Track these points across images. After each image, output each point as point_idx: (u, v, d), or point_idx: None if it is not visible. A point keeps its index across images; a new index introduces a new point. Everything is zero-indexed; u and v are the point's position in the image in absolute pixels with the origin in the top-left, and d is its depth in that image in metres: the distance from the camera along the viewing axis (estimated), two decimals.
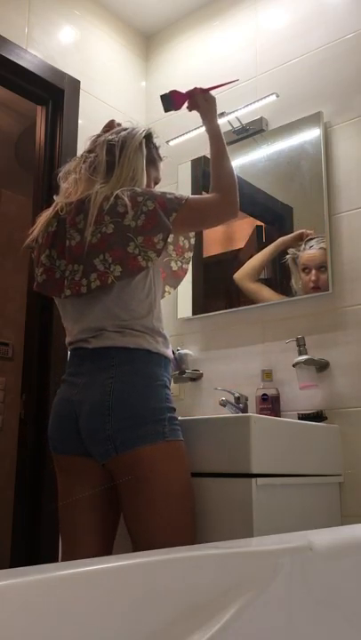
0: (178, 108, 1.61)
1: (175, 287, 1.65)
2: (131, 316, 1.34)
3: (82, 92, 2.33)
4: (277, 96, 2.18)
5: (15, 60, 2.10)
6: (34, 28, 2.22)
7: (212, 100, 1.59)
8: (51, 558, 1.88)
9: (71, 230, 1.38)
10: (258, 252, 2.15)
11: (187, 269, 1.66)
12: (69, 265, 1.37)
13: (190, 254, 1.66)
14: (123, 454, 1.25)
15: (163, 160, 1.58)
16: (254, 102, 2.21)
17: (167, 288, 1.62)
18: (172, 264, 1.62)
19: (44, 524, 1.91)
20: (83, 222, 1.36)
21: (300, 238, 2.03)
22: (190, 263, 1.67)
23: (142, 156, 1.44)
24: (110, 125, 1.55)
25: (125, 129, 1.49)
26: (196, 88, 1.59)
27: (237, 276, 2.17)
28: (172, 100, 1.61)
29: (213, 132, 1.56)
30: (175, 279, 1.64)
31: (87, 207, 1.36)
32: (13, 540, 1.97)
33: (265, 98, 2.20)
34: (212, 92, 1.60)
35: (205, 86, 1.59)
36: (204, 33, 2.50)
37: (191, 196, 1.41)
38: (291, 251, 2.05)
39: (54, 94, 2.26)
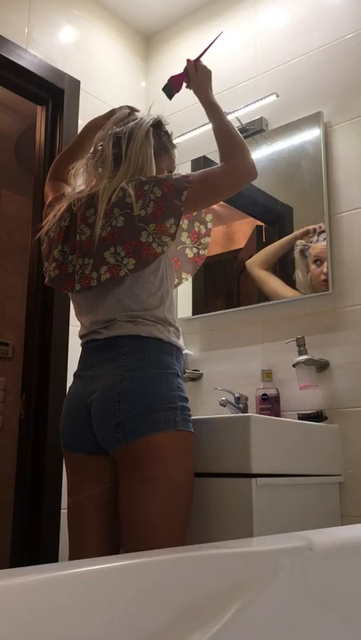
0: (179, 87, 1.59)
1: (192, 274, 1.64)
2: (142, 308, 1.34)
3: (82, 92, 2.33)
4: (277, 96, 2.18)
5: (15, 60, 2.10)
6: (34, 28, 2.22)
7: (201, 70, 1.54)
8: (51, 558, 1.88)
9: (81, 225, 1.38)
10: (258, 252, 2.15)
11: (204, 255, 1.64)
12: (80, 259, 1.37)
13: (207, 239, 1.63)
14: (132, 442, 1.24)
15: (176, 147, 1.55)
16: (254, 102, 2.21)
17: (184, 275, 1.61)
18: (188, 251, 1.60)
19: (44, 525, 1.91)
20: (93, 217, 1.36)
21: (307, 234, 2.01)
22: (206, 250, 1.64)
23: (150, 146, 1.42)
24: (110, 114, 1.54)
25: (134, 119, 1.47)
26: (188, 61, 1.56)
27: (249, 261, 2.15)
28: (171, 85, 1.59)
29: (207, 102, 1.51)
30: (192, 266, 1.62)
31: (96, 202, 1.36)
32: (13, 541, 1.97)
33: (265, 98, 2.20)
34: (208, 58, 1.57)
35: (195, 56, 1.56)
36: (204, 33, 2.50)
37: (197, 172, 1.40)
38: (300, 242, 2.02)
39: (54, 94, 2.26)
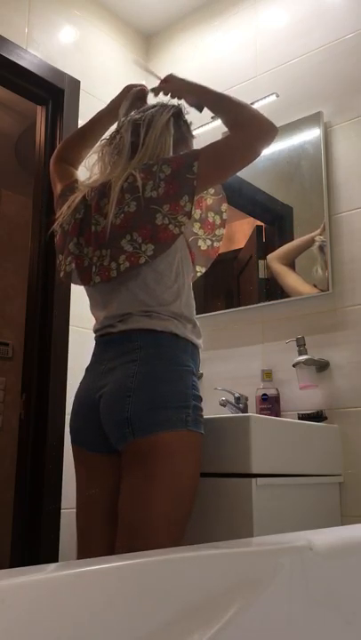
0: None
1: (207, 267, 1.58)
2: (157, 303, 1.30)
3: (82, 92, 2.33)
4: (277, 96, 2.18)
5: (15, 60, 2.10)
6: (34, 28, 2.22)
7: (170, 79, 1.50)
8: (51, 558, 1.88)
9: (96, 215, 1.34)
10: (258, 252, 2.15)
11: (218, 248, 1.58)
12: (96, 251, 1.32)
13: (222, 231, 1.57)
14: (140, 439, 1.20)
15: (195, 138, 1.50)
16: (254, 102, 2.21)
17: (198, 268, 1.56)
18: (201, 243, 1.55)
19: (44, 525, 1.91)
20: (107, 207, 1.32)
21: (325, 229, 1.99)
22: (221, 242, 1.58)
23: (170, 135, 1.38)
24: (124, 95, 1.51)
25: (154, 106, 1.44)
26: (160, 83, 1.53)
27: (270, 255, 2.12)
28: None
29: (197, 93, 1.46)
30: (206, 258, 1.56)
31: (108, 191, 1.32)
32: (13, 541, 1.97)
33: (265, 98, 2.20)
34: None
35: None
36: (205, 33, 2.50)
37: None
38: (318, 238, 1.99)
39: (54, 94, 2.26)
